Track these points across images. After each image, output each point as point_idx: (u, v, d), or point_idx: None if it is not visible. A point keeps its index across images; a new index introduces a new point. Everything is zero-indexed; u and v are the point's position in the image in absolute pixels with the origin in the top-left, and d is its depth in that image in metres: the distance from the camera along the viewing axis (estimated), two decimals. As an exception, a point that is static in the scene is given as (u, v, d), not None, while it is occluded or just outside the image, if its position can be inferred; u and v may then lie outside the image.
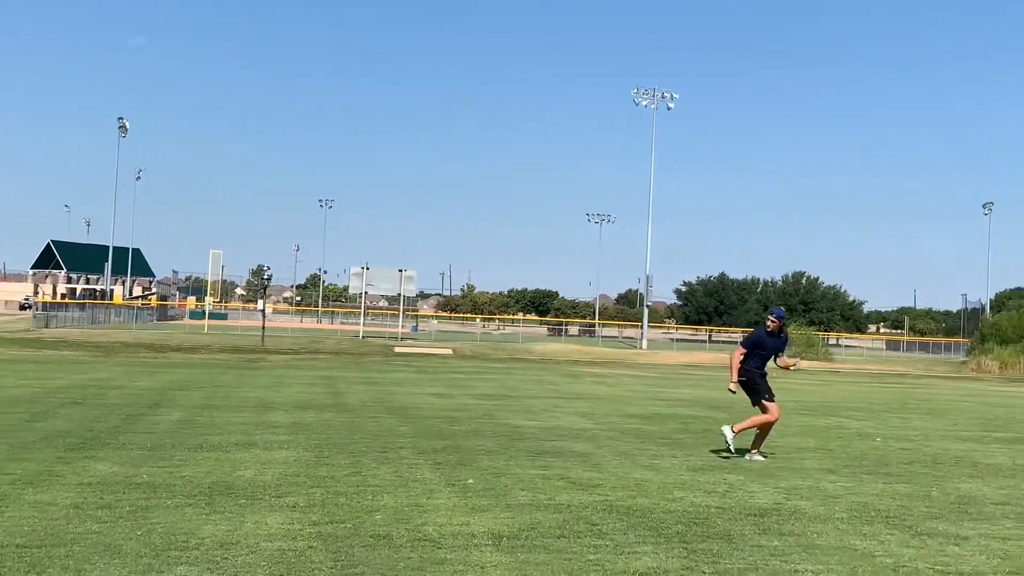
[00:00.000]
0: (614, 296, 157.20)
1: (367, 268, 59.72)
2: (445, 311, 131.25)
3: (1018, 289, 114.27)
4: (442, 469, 10.32)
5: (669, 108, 73.87)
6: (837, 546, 7.34)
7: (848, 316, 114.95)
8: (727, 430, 12.25)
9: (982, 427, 18.56)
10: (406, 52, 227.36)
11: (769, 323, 12.46)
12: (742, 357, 12.30)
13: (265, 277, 61.80)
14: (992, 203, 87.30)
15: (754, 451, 12.26)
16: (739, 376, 12.33)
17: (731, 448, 12.14)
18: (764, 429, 12.26)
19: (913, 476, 11.30)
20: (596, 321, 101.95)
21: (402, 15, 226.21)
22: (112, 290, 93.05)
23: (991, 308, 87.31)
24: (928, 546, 7.45)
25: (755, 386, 12.25)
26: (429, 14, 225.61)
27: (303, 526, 7.34)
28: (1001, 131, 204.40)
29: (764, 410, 12.14)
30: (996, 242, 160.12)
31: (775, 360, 12.50)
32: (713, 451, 12.83)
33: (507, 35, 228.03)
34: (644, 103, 73.78)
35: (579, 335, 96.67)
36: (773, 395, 12.18)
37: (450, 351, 49.61)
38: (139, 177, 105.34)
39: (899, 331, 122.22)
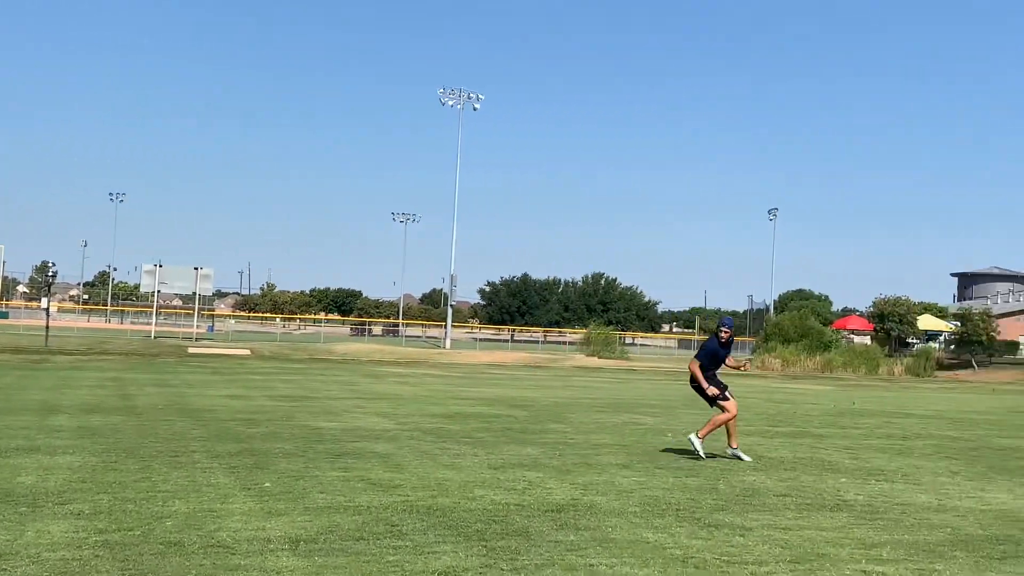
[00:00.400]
0: (419, 296, 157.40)
1: (160, 266, 57.61)
2: (243, 310, 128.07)
3: (799, 291, 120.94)
4: (237, 473, 10.05)
5: (475, 109, 74.47)
6: (630, 539, 7.55)
7: (643, 316, 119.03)
8: (693, 438, 12.85)
9: (766, 422, 19.51)
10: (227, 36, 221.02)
11: (723, 333, 13.02)
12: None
13: (49, 274, 58.79)
14: (777, 208, 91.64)
15: (734, 447, 12.92)
16: (693, 384, 12.98)
17: (701, 454, 12.63)
18: (730, 426, 12.91)
19: (702, 470, 11.76)
20: (400, 321, 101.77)
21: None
22: None
23: (775, 309, 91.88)
24: (715, 537, 7.75)
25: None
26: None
27: (88, 534, 7.01)
28: (787, 136, 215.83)
29: (722, 409, 12.76)
30: (780, 246, 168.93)
31: (725, 361, 13.18)
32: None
33: (315, 29, 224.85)
34: (450, 103, 74.10)
35: (383, 335, 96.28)
36: (727, 393, 12.84)
37: (248, 351, 48.45)
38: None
39: (691, 330, 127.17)
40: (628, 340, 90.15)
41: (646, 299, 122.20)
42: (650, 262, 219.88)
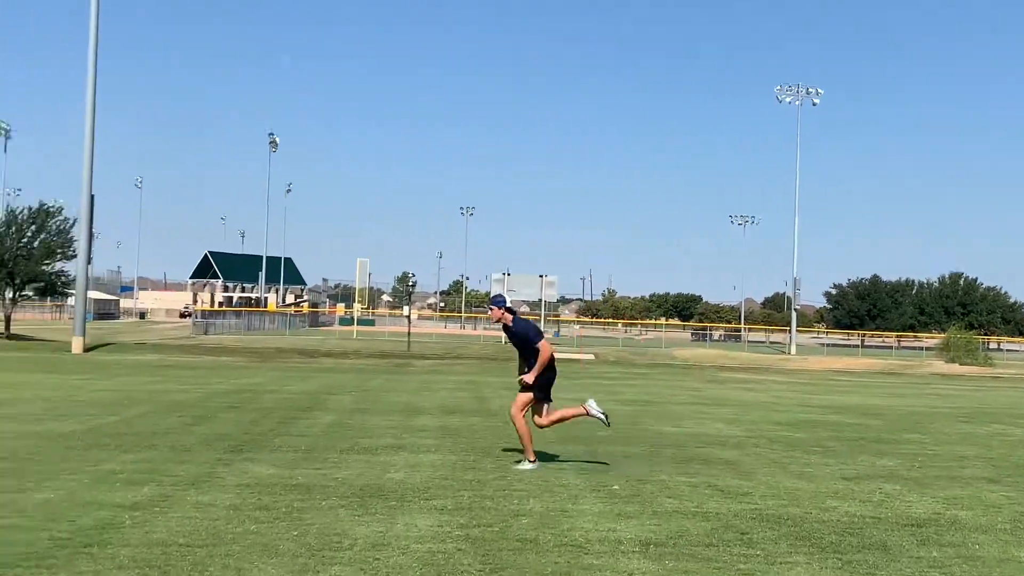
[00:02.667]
0: (760, 300, 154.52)
1: (508, 274, 60.19)
2: (586, 316, 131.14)
3: None
4: (587, 475, 10.26)
5: (815, 104, 73.68)
6: (1000, 558, 7.03)
7: (1009, 319, 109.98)
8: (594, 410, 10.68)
9: None
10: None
11: (489, 314, 10.96)
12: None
13: (410, 284, 63.03)
14: None
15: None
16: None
17: (603, 419, 10.76)
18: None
19: (1083, 487, 10.72)
20: (742, 325, 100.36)
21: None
22: (266, 298, 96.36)
23: None
24: (1101, 561, 7.05)
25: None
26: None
27: (451, 528, 7.42)
28: None
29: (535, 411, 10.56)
30: None
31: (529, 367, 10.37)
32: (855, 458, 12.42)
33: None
34: (788, 100, 73.68)
35: (724, 340, 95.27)
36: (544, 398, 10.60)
37: (592, 356, 49.50)
38: (289, 190, 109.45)
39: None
40: (992, 345, 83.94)
41: (1012, 300, 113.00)
42: (1014, 260, 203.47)
